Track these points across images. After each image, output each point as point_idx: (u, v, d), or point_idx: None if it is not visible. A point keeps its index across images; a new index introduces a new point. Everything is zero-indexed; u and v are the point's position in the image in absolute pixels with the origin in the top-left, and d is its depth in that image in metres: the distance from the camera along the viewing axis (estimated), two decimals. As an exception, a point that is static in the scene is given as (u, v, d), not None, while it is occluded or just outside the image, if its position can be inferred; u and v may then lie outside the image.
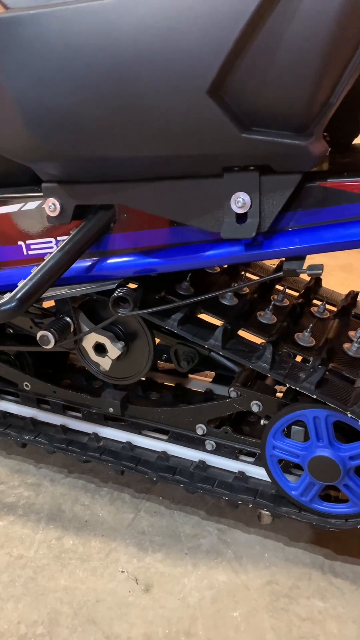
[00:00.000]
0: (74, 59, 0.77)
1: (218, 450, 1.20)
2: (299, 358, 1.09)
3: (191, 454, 1.23)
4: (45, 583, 1.14)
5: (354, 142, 1.11)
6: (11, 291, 1.01)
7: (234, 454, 1.19)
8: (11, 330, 1.39)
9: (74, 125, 0.83)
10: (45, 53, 0.78)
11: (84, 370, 1.50)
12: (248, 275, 1.28)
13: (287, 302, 1.21)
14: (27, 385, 1.37)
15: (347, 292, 1.29)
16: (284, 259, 0.97)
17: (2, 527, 1.27)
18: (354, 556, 1.17)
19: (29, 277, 1.00)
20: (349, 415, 0.96)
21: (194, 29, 0.71)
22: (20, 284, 1.00)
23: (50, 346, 1.11)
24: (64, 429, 1.34)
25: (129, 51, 0.74)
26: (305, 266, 0.93)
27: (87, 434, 1.33)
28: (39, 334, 1.11)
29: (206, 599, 1.10)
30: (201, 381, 1.41)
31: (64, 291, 1.09)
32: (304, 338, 1.10)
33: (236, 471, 1.18)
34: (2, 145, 0.94)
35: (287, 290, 1.25)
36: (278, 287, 1.29)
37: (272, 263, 1.34)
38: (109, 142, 0.84)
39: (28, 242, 1.11)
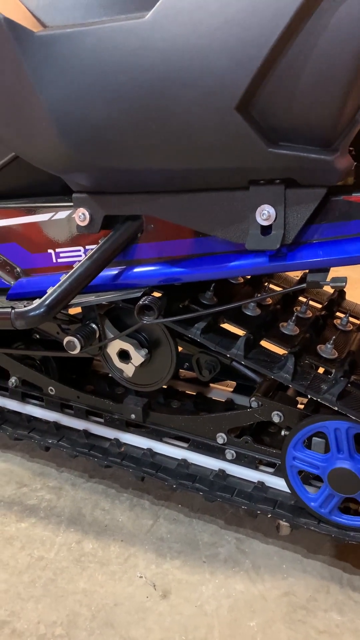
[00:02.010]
0: (108, 75, 0.80)
1: (238, 460, 1.21)
2: (320, 370, 1.09)
3: (211, 463, 1.24)
4: (65, 585, 1.16)
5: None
6: (40, 297, 1.04)
7: (253, 464, 1.20)
8: (37, 336, 1.42)
9: (106, 138, 0.86)
10: (81, 69, 0.81)
11: (106, 377, 1.52)
12: (271, 286, 1.29)
13: (310, 314, 1.22)
14: (51, 390, 1.40)
15: (370, 305, 1.30)
16: (307, 270, 0.98)
17: (23, 529, 1.30)
18: (373, 571, 1.17)
19: (57, 284, 1.03)
20: (370, 427, 0.97)
21: (224, 47, 0.73)
22: (49, 291, 1.03)
23: (76, 352, 1.13)
24: (87, 433, 1.37)
25: (161, 68, 0.77)
26: (329, 278, 0.94)
27: (109, 440, 1.35)
28: (65, 340, 1.14)
29: (223, 607, 1.11)
30: (222, 390, 1.43)
31: (90, 298, 1.12)
32: (327, 350, 1.11)
33: (256, 481, 1.19)
34: (36, 157, 0.97)
35: (310, 302, 1.26)
36: (301, 298, 1.30)
37: (296, 275, 1.35)
38: (140, 154, 0.87)
39: (57, 250, 1.14)
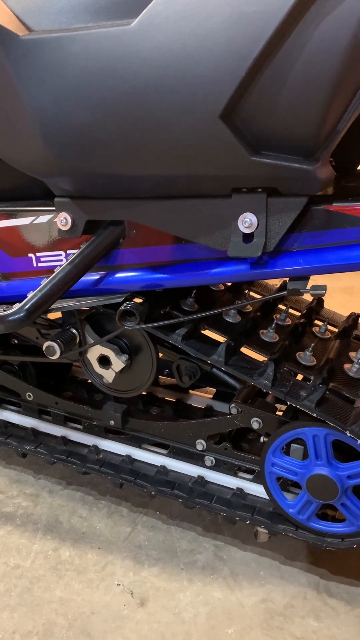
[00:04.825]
0: (92, 81, 0.81)
1: (217, 466, 1.21)
2: (299, 377, 1.11)
3: (190, 469, 1.24)
4: (41, 594, 1.14)
5: (358, 168, 1.15)
6: (20, 301, 1.03)
7: (232, 471, 1.20)
8: (15, 341, 1.41)
9: (90, 143, 0.86)
10: (65, 74, 0.81)
11: (85, 383, 1.51)
12: (251, 293, 1.30)
13: (289, 322, 1.23)
14: (29, 396, 1.38)
15: (348, 314, 1.32)
16: (287, 278, 1.00)
17: (-1, 537, 1.28)
18: (349, 577, 1.18)
19: (38, 289, 1.02)
20: (348, 434, 0.98)
21: (209, 56, 0.74)
22: (29, 295, 1.02)
23: (56, 357, 1.13)
24: (65, 440, 1.35)
25: (146, 75, 0.78)
26: (309, 286, 0.95)
27: (87, 446, 1.34)
28: (45, 345, 1.13)
29: (201, 615, 1.10)
30: (201, 397, 1.43)
31: (71, 303, 1.11)
32: (305, 357, 1.12)
33: (234, 487, 1.19)
34: (19, 160, 0.97)
35: (290, 310, 1.28)
36: (281, 306, 1.32)
37: (275, 283, 1.37)
38: (123, 160, 0.87)
39: (38, 254, 1.13)
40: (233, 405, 1.13)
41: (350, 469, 1.03)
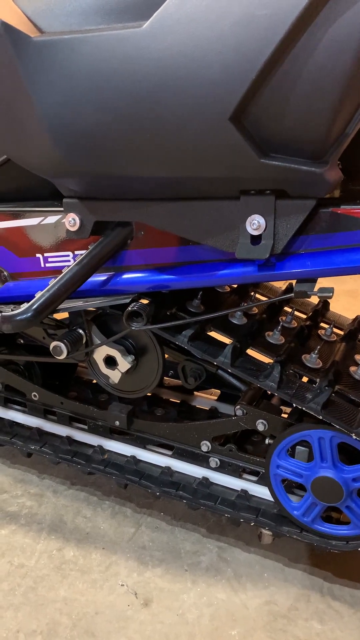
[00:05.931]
0: (103, 83, 0.81)
1: (222, 468, 1.21)
2: (305, 379, 1.11)
3: (195, 471, 1.24)
4: (45, 593, 1.14)
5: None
6: (28, 302, 1.04)
7: (237, 472, 1.20)
8: (21, 341, 1.41)
9: (99, 144, 0.87)
10: (76, 76, 0.82)
11: (90, 383, 1.52)
12: (257, 295, 1.30)
13: (295, 324, 1.23)
14: (35, 396, 1.39)
15: (353, 317, 1.32)
16: (294, 280, 1.00)
17: (3, 536, 1.28)
18: (353, 580, 1.18)
19: (46, 289, 1.02)
20: (354, 437, 0.98)
21: (220, 58, 0.75)
22: (37, 295, 1.02)
23: (63, 357, 1.13)
24: (70, 440, 1.36)
25: (157, 77, 0.78)
26: (315, 289, 0.95)
27: (92, 446, 1.34)
28: (52, 345, 1.13)
29: (205, 616, 1.10)
30: (206, 399, 1.43)
31: (79, 304, 1.12)
32: (311, 359, 1.12)
33: (239, 489, 1.19)
34: (29, 161, 0.98)
35: (296, 312, 1.28)
36: (286, 308, 1.32)
37: (280, 285, 1.37)
38: (132, 162, 0.88)
39: (46, 254, 1.14)
40: (238, 407, 1.13)
41: (355, 472, 1.03)
